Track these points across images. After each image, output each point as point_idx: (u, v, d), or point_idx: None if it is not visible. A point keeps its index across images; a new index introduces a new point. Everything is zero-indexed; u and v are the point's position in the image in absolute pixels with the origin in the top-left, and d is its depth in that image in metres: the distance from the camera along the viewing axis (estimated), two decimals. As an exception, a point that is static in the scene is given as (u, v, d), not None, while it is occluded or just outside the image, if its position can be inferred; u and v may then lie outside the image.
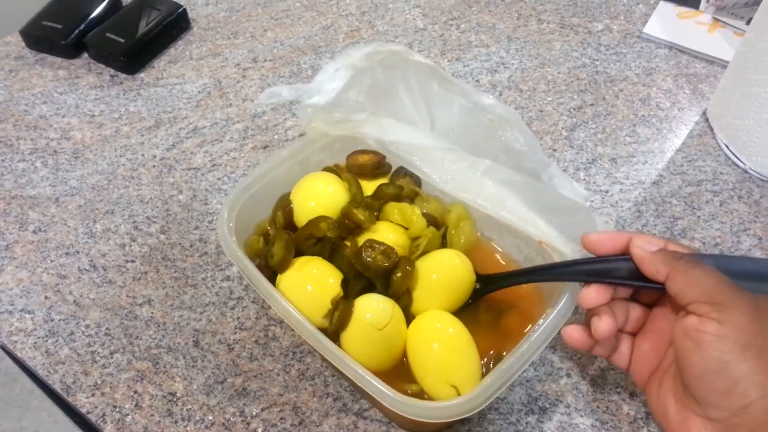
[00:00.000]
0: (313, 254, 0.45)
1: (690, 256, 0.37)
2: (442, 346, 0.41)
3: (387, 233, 0.45)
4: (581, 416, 0.46)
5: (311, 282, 0.43)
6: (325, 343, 0.40)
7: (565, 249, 0.44)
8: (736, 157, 0.61)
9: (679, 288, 0.36)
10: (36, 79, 0.72)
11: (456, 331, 0.42)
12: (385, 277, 0.43)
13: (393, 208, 0.46)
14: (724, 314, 0.34)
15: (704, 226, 0.56)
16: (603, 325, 0.39)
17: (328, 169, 0.50)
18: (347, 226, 0.46)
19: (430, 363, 0.41)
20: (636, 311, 0.42)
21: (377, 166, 0.49)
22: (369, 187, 0.49)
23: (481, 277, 0.45)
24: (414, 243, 0.46)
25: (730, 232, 0.56)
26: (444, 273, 0.44)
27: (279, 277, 0.44)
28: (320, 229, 0.44)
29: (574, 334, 0.41)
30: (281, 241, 0.45)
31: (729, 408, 0.34)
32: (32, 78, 0.72)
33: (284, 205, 0.49)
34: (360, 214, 0.45)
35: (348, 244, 0.44)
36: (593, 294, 0.39)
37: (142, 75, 0.72)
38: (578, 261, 0.42)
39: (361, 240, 0.44)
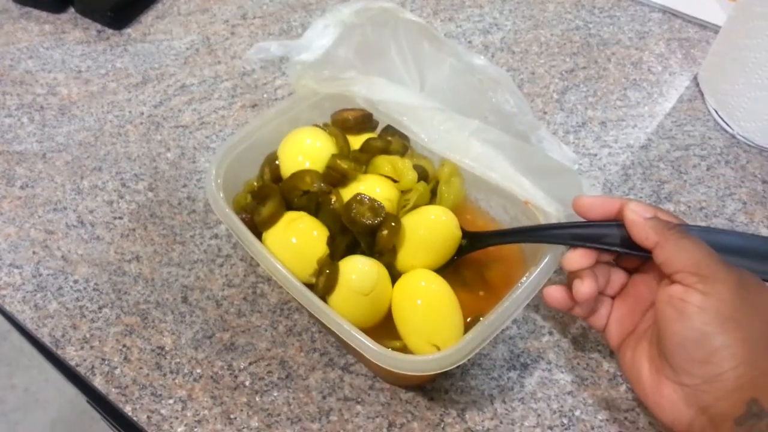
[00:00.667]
0: (299, 208, 0.45)
1: (680, 226, 0.38)
2: (426, 305, 0.42)
3: (374, 186, 0.45)
4: (561, 372, 0.47)
5: (298, 238, 0.43)
6: (312, 300, 0.40)
7: (550, 209, 0.44)
8: (724, 122, 0.61)
9: (667, 257, 0.36)
10: (21, 33, 0.71)
11: (440, 290, 0.43)
12: (371, 234, 0.43)
13: (384, 161, 0.46)
14: (710, 287, 0.35)
15: (690, 190, 0.57)
16: (584, 287, 0.40)
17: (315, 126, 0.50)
18: (333, 177, 0.45)
19: (414, 321, 0.42)
20: (617, 275, 0.43)
21: (362, 120, 0.49)
22: (356, 142, 0.49)
23: (467, 234, 0.46)
24: (404, 197, 0.46)
25: (716, 196, 0.56)
26: (431, 229, 0.44)
27: (265, 234, 0.45)
28: (305, 182, 0.44)
29: (556, 294, 0.42)
30: (275, 197, 0.44)
31: (702, 376, 0.35)
32: (17, 32, 0.71)
33: (271, 160, 0.49)
34: (345, 164, 0.45)
35: (333, 198, 0.44)
36: (578, 258, 0.40)
37: (129, 30, 0.70)
38: (566, 224, 0.42)
39: (348, 194, 0.44)
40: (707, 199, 0.56)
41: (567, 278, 0.42)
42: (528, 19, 0.72)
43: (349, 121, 0.49)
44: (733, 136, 0.60)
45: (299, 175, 0.45)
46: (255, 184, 0.48)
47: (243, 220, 0.44)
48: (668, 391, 0.36)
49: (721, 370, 0.34)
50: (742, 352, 0.34)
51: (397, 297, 0.43)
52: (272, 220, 0.44)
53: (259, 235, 0.44)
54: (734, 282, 0.35)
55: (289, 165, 0.47)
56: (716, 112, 0.62)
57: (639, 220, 0.38)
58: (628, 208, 0.39)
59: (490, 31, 0.71)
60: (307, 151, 0.47)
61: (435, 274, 0.44)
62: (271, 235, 0.44)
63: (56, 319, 0.50)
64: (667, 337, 0.36)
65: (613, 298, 0.43)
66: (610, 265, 0.43)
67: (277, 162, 0.48)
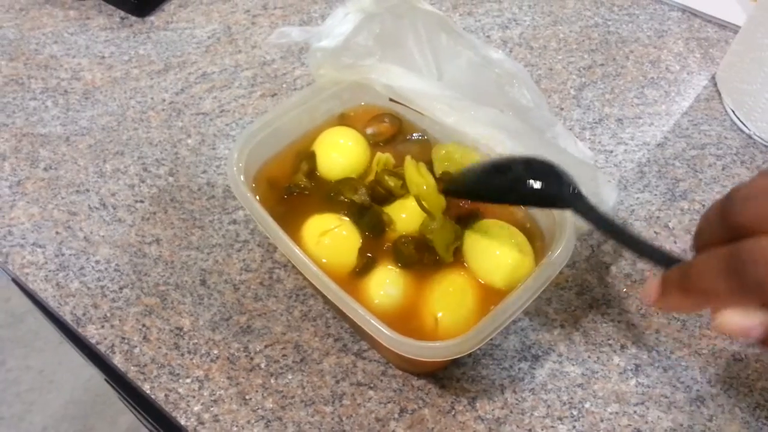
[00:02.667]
0: (342, 207, 0.47)
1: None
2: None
3: (415, 212, 0.47)
4: (572, 365, 0.47)
5: (333, 243, 0.45)
6: (328, 285, 0.41)
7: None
8: (741, 122, 0.61)
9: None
10: (46, 18, 0.72)
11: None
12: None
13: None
14: None
15: (705, 189, 0.57)
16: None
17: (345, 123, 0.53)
18: (379, 193, 0.47)
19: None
20: None
21: (395, 135, 0.51)
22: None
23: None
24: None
25: (730, 195, 0.56)
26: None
27: (306, 225, 0.46)
28: (356, 192, 0.47)
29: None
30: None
31: None
32: (42, 17, 0.72)
33: (308, 155, 0.50)
34: (392, 182, 0.47)
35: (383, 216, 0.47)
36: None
37: (152, 18, 0.71)
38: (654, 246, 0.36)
39: (393, 208, 0.47)
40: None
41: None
42: (547, 15, 0.72)
43: (385, 136, 0.52)
44: (750, 137, 0.60)
45: (349, 183, 0.48)
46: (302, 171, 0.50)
47: (284, 199, 0.47)
48: None
49: None
50: None
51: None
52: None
53: (281, 220, 0.45)
54: None
55: (325, 161, 0.50)
56: (733, 112, 0.62)
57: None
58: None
59: (508, 26, 0.71)
60: (342, 149, 0.50)
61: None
62: (310, 229, 0.46)
63: (78, 298, 0.51)
64: None
65: None
66: None
67: (314, 157, 0.50)
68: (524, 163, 0.42)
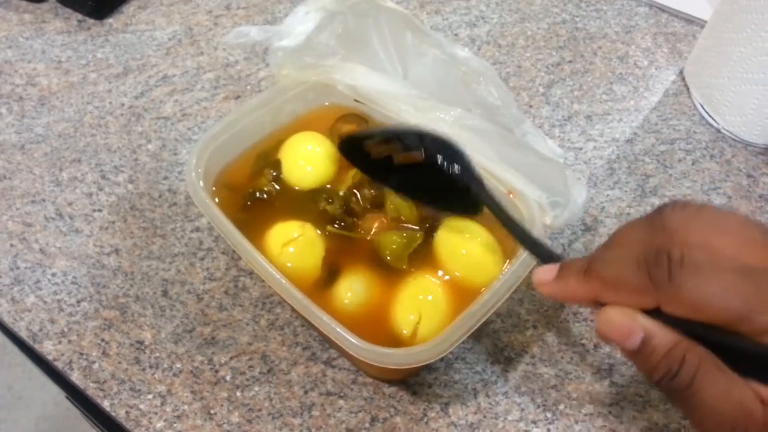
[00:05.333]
0: (310, 215, 0.46)
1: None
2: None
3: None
4: (546, 366, 0.47)
5: (298, 251, 0.44)
6: (293, 293, 0.40)
7: (534, 196, 0.44)
8: (710, 116, 0.61)
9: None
10: (0, 23, 0.69)
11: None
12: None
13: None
14: None
15: (675, 183, 0.57)
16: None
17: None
18: (352, 210, 0.46)
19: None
20: None
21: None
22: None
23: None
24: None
25: (701, 190, 0.56)
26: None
27: (270, 233, 0.45)
28: (330, 204, 0.46)
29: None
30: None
31: None
32: (-4, 21, 0.69)
33: (273, 163, 0.49)
34: (359, 207, 0.47)
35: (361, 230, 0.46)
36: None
37: (110, 20, 0.69)
38: (538, 241, 0.37)
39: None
40: (692, 193, 0.56)
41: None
42: (515, 12, 0.72)
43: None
44: (719, 131, 0.60)
45: (323, 192, 0.47)
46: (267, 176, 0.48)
47: (247, 206, 0.46)
48: None
49: None
50: None
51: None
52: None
53: (244, 228, 0.43)
54: None
55: (292, 168, 0.48)
56: (702, 106, 0.62)
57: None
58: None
59: (476, 24, 0.70)
60: (309, 156, 0.49)
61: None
62: (273, 238, 0.44)
63: (33, 312, 0.49)
64: None
65: None
66: None
67: (279, 163, 0.49)
68: (419, 135, 0.41)
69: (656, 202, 0.55)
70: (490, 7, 0.72)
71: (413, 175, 0.41)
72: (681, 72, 0.65)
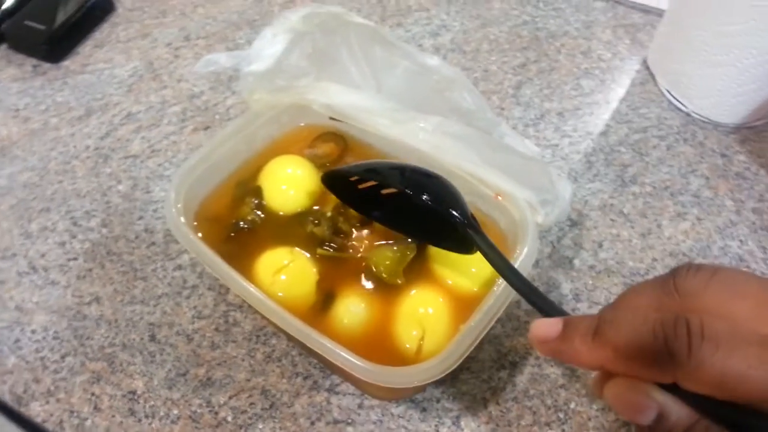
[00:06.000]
0: (298, 240, 0.45)
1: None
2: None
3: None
4: (551, 366, 0.46)
5: (290, 278, 0.43)
6: (290, 321, 0.38)
7: (522, 196, 0.43)
8: (678, 101, 0.62)
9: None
10: (-51, 75, 0.67)
11: None
12: None
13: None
14: None
15: (653, 170, 0.57)
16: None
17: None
18: (339, 231, 0.45)
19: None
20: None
21: (342, 155, 0.49)
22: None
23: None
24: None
25: (679, 174, 0.57)
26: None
27: (259, 262, 0.43)
28: (317, 226, 0.45)
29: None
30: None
31: None
32: (-55, 75, 0.67)
33: (254, 189, 0.48)
34: (345, 227, 0.45)
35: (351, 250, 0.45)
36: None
37: (66, 63, 0.67)
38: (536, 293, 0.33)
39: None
40: (671, 178, 0.57)
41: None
42: (475, 18, 0.72)
43: (331, 158, 0.50)
44: (688, 114, 0.61)
45: (310, 215, 0.46)
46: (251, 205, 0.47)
47: (231, 237, 0.44)
48: None
49: None
50: None
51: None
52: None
53: (231, 260, 0.42)
54: None
55: (273, 193, 0.47)
56: (669, 92, 0.62)
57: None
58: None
59: (439, 33, 0.70)
60: (290, 179, 0.48)
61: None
62: (263, 267, 0.43)
63: (16, 374, 0.46)
64: None
65: None
66: None
67: (260, 190, 0.47)
68: (401, 170, 0.39)
69: (637, 190, 0.56)
70: (451, 15, 0.72)
71: (401, 209, 0.39)
72: (644, 61, 0.66)
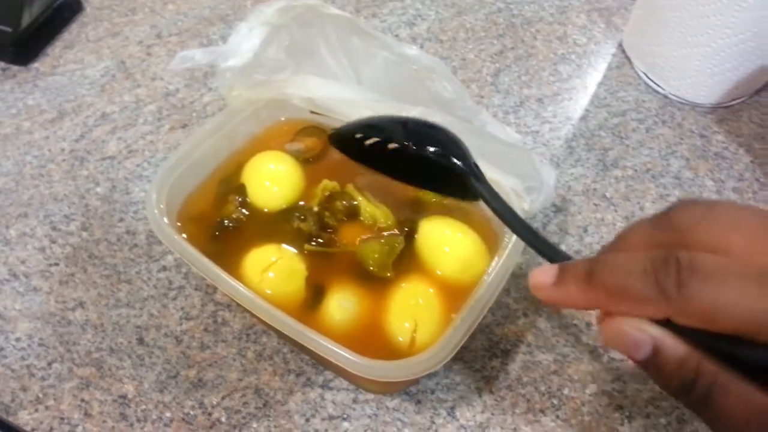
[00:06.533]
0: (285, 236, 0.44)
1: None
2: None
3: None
4: (542, 353, 0.46)
5: (279, 276, 0.42)
6: (280, 318, 0.38)
7: (508, 183, 0.44)
8: (655, 84, 0.62)
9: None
10: None
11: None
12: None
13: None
14: None
15: (633, 153, 0.58)
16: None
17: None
18: (327, 222, 0.45)
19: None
20: None
21: (325, 149, 0.49)
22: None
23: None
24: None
25: (659, 156, 0.57)
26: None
27: (247, 260, 0.43)
28: (304, 221, 0.44)
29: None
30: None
31: None
32: None
33: (237, 187, 0.47)
34: (341, 214, 0.45)
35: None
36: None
37: (36, 65, 0.65)
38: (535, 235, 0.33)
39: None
40: (651, 160, 0.57)
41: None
42: (450, 6, 0.72)
43: (315, 152, 0.49)
44: (666, 96, 0.62)
45: (296, 210, 0.45)
46: (234, 202, 0.46)
47: (216, 236, 0.44)
48: None
49: None
50: None
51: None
52: None
53: (217, 259, 0.41)
54: None
55: (258, 190, 0.46)
56: (645, 75, 0.63)
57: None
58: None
59: (414, 22, 0.70)
60: (274, 175, 0.47)
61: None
62: (251, 264, 0.43)
63: (2, 382, 0.45)
64: None
65: None
66: None
67: (243, 187, 0.47)
68: (403, 123, 0.39)
69: (619, 174, 0.56)
70: (425, 4, 0.72)
71: (408, 161, 0.39)
72: (620, 44, 0.67)
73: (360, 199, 0.45)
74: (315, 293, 0.42)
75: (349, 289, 0.42)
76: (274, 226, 0.45)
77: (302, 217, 0.44)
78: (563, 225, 0.53)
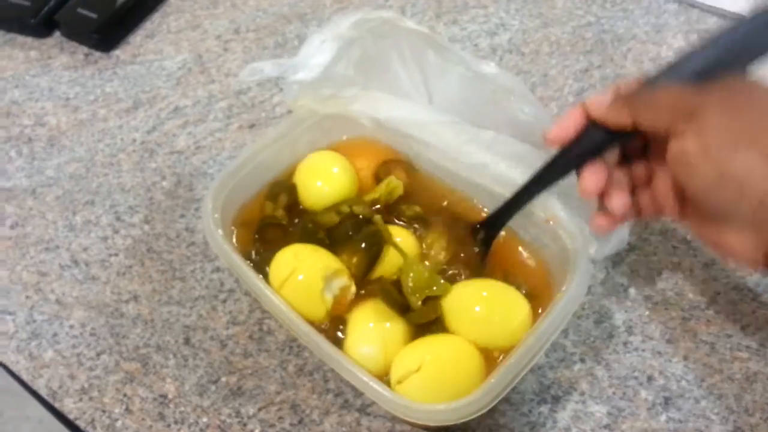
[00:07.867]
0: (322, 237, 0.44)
1: (643, 85, 0.35)
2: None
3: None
4: (596, 404, 0.43)
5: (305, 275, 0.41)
6: (320, 344, 0.37)
7: (572, 228, 0.41)
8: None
9: (649, 121, 0.34)
10: (6, 61, 0.68)
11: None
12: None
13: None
14: (698, 122, 0.31)
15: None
16: (617, 203, 0.37)
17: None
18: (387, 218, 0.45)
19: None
20: (638, 167, 0.39)
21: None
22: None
23: (483, 223, 0.44)
24: None
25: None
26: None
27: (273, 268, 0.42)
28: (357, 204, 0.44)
29: (601, 222, 0.39)
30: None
31: (749, 212, 0.31)
32: (2, 60, 0.68)
33: (287, 187, 0.47)
34: (409, 211, 0.45)
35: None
36: (591, 179, 0.37)
37: (117, 52, 0.67)
38: (555, 158, 0.39)
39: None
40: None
41: (597, 207, 0.39)
42: (536, 17, 0.68)
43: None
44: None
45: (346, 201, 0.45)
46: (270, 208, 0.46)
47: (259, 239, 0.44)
48: (739, 244, 0.33)
49: (761, 194, 0.30)
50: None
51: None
52: None
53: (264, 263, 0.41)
54: (724, 99, 0.32)
55: (308, 191, 0.46)
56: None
57: (603, 110, 0.36)
58: (589, 109, 0.36)
59: (496, 32, 0.67)
60: (327, 176, 0.47)
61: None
62: (278, 271, 0.42)
63: (52, 368, 0.47)
64: (698, 198, 0.33)
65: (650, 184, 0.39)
66: (624, 164, 0.39)
67: (294, 187, 0.46)
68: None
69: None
70: (510, 13, 0.69)
71: None
72: (718, 71, 0.61)
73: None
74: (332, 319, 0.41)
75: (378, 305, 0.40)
76: (322, 227, 0.44)
77: (353, 204, 0.44)
78: (635, 266, 0.49)
